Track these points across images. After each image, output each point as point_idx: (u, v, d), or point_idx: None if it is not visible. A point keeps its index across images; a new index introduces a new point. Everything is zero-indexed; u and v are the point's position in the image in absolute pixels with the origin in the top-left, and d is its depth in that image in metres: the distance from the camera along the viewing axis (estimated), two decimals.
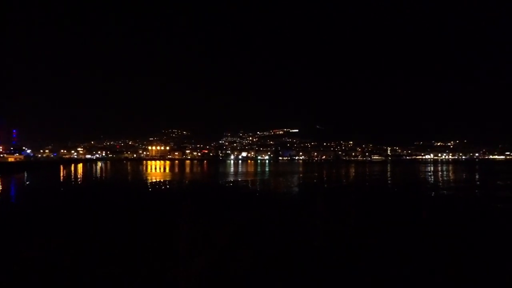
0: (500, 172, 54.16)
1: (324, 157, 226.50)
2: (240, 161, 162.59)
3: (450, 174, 48.91)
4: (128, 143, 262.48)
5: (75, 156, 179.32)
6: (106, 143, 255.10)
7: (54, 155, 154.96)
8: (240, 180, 36.23)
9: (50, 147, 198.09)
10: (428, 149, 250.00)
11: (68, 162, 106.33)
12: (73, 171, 56.84)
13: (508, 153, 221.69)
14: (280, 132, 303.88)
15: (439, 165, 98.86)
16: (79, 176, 44.98)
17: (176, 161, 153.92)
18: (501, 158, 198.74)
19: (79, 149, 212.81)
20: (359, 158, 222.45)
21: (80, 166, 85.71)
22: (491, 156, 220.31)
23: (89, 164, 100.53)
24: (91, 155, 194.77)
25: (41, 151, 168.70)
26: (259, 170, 66.23)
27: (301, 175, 48.36)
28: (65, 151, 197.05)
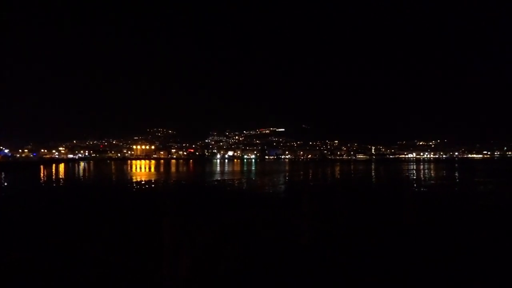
0: (477, 170, 56.38)
1: (310, 156, 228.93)
2: (226, 160, 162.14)
3: (432, 172, 50.40)
4: (112, 142, 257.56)
5: (57, 156, 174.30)
6: (89, 143, 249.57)
7: (34, 155, 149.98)
8: (227, 179, 36.19)
9: (29, 146, 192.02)
10: (411, 148, 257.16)
11: (49, 162, 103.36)
12: (54, 172, 55.31)
13: (485, 152, 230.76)
14: (267, 131, 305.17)
15: (421, 163, 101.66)
16: (60, 177, 43.85)
17: (162, 161, 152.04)
18: (479, 157, 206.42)
19: (60, 148, 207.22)
20: (344, 157, 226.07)
21: (61, 166, 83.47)
22: (469, 155, 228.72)
23: (71, 164, 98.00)
24: (73, 155, 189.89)
25: (20, 151, 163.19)
26: (245, 169, 66.29)
27: (287, 174, 48.76)
28: (45, 150, 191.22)
